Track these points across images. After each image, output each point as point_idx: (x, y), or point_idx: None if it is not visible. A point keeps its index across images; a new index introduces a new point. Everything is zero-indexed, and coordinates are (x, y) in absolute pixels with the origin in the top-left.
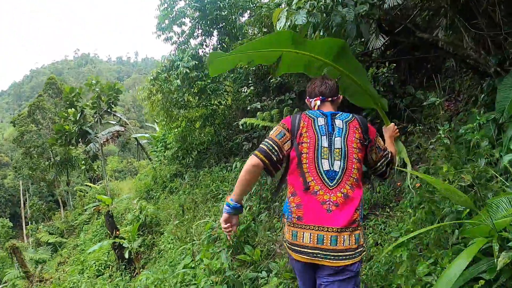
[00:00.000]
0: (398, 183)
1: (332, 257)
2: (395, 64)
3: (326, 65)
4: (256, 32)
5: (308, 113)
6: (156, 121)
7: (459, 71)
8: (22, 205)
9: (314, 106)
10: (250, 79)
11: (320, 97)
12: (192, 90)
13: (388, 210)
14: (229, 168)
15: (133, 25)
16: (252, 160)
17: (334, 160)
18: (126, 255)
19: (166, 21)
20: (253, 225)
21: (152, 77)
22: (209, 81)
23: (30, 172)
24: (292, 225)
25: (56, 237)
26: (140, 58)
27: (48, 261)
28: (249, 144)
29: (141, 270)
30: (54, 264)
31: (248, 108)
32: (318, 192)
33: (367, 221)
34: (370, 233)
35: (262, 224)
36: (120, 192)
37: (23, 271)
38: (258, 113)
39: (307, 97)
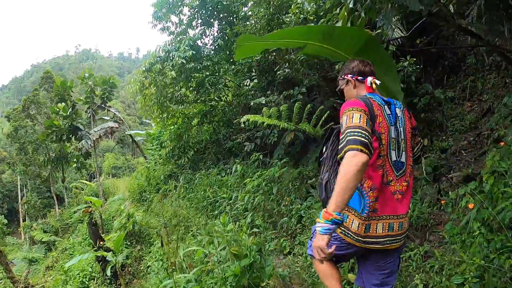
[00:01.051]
0: (443, 201)
1: (398, 240)
2: (415, 59)
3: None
4: (261, 16)
5: (375, 99)
6: (149, 117)
7: (481, 68)
8: (19, 200)
9: (371, 85)
10: (253, 71)
11: (375, 77)
12: (190, 84)
13: (428, 235)
14: (228, 170)
15: (135, 21)
16: (360, 157)
17: (401, 151)
18: (108, 272)
19: (163, 10)
20: (259, 259)
21: (144, 68)
22: (208, 73)
23: (24, 168)
24: (366, 219)
25: (50, 236)
26: (142, 54)
27: (40, 260)
28: (251, 145)
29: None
30: (42, 268)
31: (251, 104)
32: (390, 183)
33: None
34: (412, 267)
35: (272, 256)
36: (116, 190)
37: (7, 277)
38: (264, 109)
39: (351, 75)
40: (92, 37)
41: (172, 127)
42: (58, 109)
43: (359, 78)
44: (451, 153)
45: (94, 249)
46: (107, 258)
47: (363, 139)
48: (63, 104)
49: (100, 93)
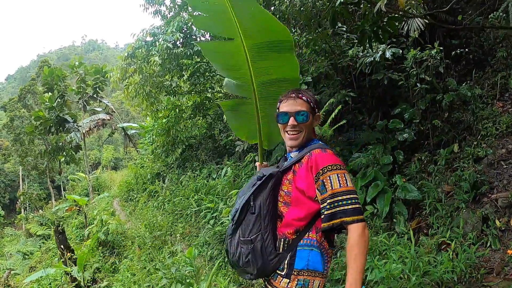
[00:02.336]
0: (509, 251)
1: None
2: (442, 48)
3: None
4: None
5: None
6: (138, 109)
7: None
8: (20, 191)
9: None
10: None
11: None
12: (183, 73)
13: None
14: (220, 171)
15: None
16: (366, 229)
17: None
18: None
19: None
20: None
21: (127, 54)
22: (198, 60)
23: (20, 159)
24: (325, 276)
25: (46, 229)
26: None
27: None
28: (243, 144)
29: None
30: (26, 269)
31: None
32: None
33: None
34: None
35: None
36: (112, 184)
37: None
38: None
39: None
40: (98, 28)
41: (163, 120)
42: (44, 100)
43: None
44: (488, 163)
45: (62, 260)
46: (71, 274)
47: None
48: (49, 94)
49: (92, 83)
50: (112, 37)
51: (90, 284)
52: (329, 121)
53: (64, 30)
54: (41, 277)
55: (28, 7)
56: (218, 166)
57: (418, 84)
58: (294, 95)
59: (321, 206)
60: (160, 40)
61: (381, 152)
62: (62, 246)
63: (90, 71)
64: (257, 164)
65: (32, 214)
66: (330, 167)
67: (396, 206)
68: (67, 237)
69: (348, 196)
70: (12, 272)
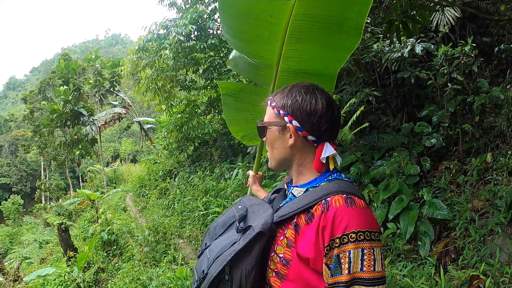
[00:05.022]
0: None
1: None
2: (475, 45)
3: None
4: None
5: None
6: (150, 104)
7: None
8: (41, 181)
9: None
10: None
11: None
12: (198, 67)
13: None
14: (231, 172)
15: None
16: None
17: None
18: None
19: None
20: None
21: (137, 47)
22: (211, 54)
23: (39, 151)
24: None
25: (63, 219)
26: None
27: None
28: (255, 146)
29: None
30: (38, 259)
31: None
32: None
33: None
34: None
35: None
36: (129, 177)
37: None
38: None
39: (295, 122)
40: (122, 23)
41: (178, 116)
42: (60, 93)
43: (309, 137)
44: None
45: (65, 258)
46: (73, 274)
47: None
48: (65, 87)
49: (109, 76)
50: (135, 31)
51: (92, 285)
52: (350, 123)
53: (88, 24)
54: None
55: (54, 1)
56: (232, 165)
57: (448, 84)
58: (266, 99)
59: None
60: (172, 32)
61: (407, 160)
62: (64, 245)
63: (107, 65)
64: (249, 173)
65: (50, 204)
66: (355, 235)
67: (422, 225)
68: (79, 229)
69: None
70: (27, 260)
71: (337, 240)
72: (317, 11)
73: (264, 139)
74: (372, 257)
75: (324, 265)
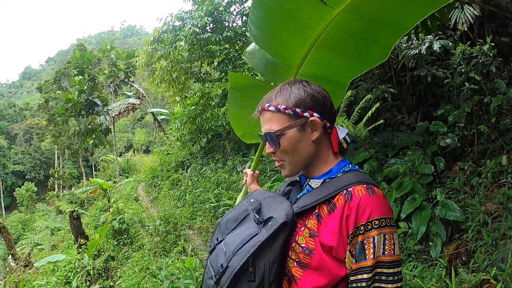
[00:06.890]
0: None
1: None
2: (493, 44)
3: None
4: None
5: None
6: (164, 95)
7: None
8: (55, 169)
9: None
10: None
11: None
12: (213, 59)
13: None
14: (244, 165)
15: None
16: None
17: None
18: (80, 281)
19: None
20: None
21: (153, 39)
22: (226, 46)
23: (54, 139)
24: None
25: (75, 207)
26: None
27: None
28: None
29: None
30: (49, 246)
31: None
32: None
33: None
34: None
35: None
36: (141, 167)
37: (10, 253)
38: None
39: (318, 115)
40: (137, 14)
41: (191, 108)
42: (75, 83)
43: (327, 124)
44: None
45: (75, 245)
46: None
47: None
48: (80, 77)
49: (123, 67)
50: (150, 23)
51: (102, 272)
52: (365, 119)
53: (103, 16)
54: (57, 260)
55: None
56: (245, 158)
57: (466, 83)
58: (260, 107)
59: (351, 278)
60: (187, 24)
61: (421, 159)
62: (75, 232)
63: (122, 56)
64: (247, 171)
65: (63, 192)
66: (378, 222)
67: (434, 226)
68: (90, 217)
69: (392, 271)
70: (39, 247)
71: (362, 228)
72: (357, 24)
73: (279, 147)
74: (392, 241)
75: (347, 252)
